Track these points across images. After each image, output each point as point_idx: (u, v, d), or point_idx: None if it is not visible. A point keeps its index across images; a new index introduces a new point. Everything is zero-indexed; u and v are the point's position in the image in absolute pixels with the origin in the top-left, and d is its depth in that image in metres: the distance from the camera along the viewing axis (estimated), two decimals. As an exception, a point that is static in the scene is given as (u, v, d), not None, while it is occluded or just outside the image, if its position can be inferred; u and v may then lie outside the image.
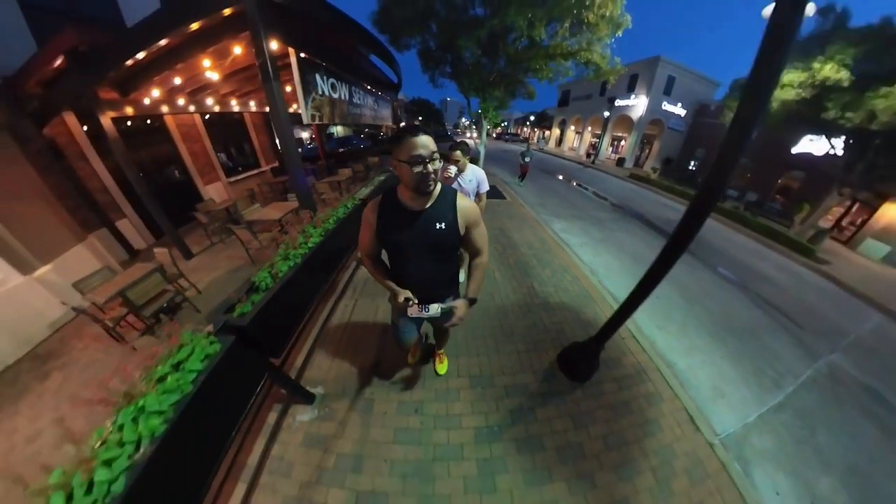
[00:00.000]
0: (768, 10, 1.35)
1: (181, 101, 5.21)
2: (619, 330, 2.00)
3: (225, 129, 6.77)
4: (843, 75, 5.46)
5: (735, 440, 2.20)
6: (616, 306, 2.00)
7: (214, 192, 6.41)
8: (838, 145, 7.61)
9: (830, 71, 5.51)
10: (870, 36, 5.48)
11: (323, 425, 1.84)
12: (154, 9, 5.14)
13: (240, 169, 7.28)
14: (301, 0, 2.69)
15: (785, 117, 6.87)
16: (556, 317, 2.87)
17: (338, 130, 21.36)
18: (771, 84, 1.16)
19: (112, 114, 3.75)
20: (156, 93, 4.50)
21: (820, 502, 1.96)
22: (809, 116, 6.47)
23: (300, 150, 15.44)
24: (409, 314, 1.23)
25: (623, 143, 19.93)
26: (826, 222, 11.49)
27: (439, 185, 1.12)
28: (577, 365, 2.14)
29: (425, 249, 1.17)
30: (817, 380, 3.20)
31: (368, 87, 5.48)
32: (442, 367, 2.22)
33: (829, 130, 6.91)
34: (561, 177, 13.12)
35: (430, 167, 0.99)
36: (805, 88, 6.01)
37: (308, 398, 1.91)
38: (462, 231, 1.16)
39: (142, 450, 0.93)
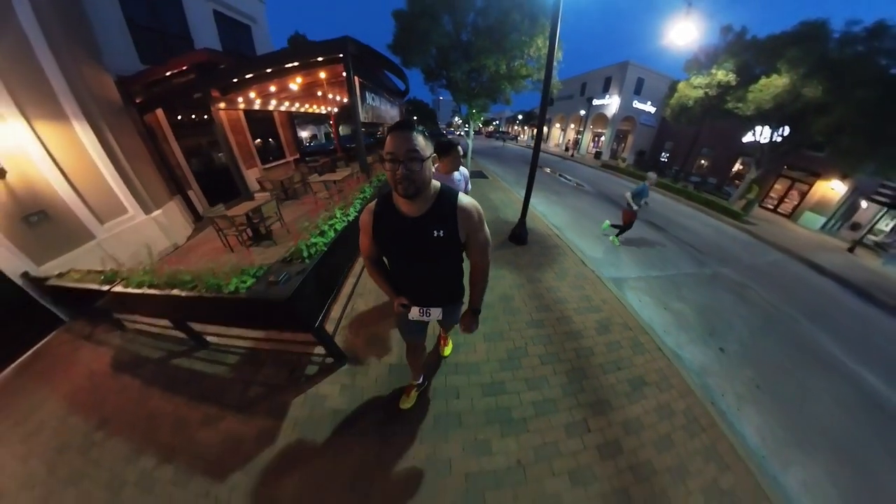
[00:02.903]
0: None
1: (258, 101, 6.72)
2: (549, 235, 3.61)
3: (260, 124, 8.23)
4: (731, 78, 7.31)
5: (615, 280, 3.73)
6: (551, 227, 3.64)
7: (253, 175, 7.82)
8: (760, 132, 9.39)
9: (722, 75, 7.33)
10: (748, 48, 7.32)
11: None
12: (211, 33, 6.67)
13: (270, 158, 8.73)
14: (361, 48, 4.29)
15: (701, 110, 8.73)
16: (510, 225, 4.48)
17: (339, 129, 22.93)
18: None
19: (216, 107, 5.25)
20: (251, 95, 5.94)
21: (671, 310, 3.50)
22: (719, 109, 8.32)
23: (306, 145, 17.00)
24: (409, 317, 1.23)
25: (602, 138, 21.77)
26: (770, 200, 13.28)
27: (436, 186, 1.01)
28: (517, 235, 3.82)
29: (423, 257, 1.08)
30: (698, 275, 4.73)
31: (386, 96, 7.26)
32: (447, 349, 2.18)
33: (736, 119, 8.75)
34: (540, 167, 14.80)
35: (402, 169, 0.86)
36: (711, 88, 7.84)
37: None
38: (463, 238, 1.06)
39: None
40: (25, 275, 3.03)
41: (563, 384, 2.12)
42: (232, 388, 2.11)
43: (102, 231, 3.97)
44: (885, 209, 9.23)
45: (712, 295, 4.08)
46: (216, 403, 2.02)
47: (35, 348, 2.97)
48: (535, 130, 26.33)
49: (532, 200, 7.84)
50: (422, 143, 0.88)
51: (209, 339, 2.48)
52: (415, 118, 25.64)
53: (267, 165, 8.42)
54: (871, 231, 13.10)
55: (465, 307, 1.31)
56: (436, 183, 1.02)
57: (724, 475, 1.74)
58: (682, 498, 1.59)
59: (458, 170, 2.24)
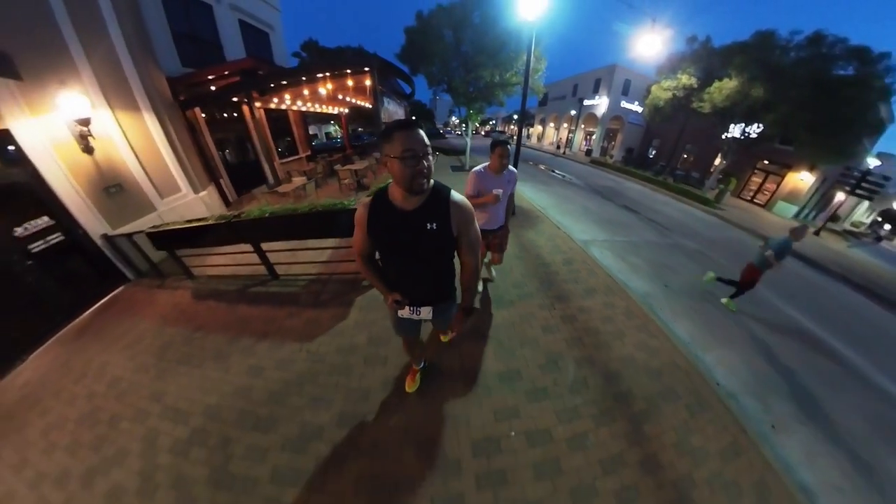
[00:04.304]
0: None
1: (288, 100, 7.61)
2: (533, 210, 4.56)
3: (278, 122, 9.04)
4: (693, 81, 8.42)
5: (583, 241, 4.58)
6: (536, 206, 4.57)
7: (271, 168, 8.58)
8: (730, 128, 10.43)
9: (685, 79, 8.43)
10: (708, 55, 8.44)
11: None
12: (237, 40, 7.48)
13: (286, 154, 9.54)
14: (383, 62, 5.18)
15: (671, 109, 9.87)
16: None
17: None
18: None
19: (248, 106, 6.03)
20: (286, 96, 6.80)
21: (628, 261, 4.34)
22: (686, 108, 9.43)
23: (314, 143, 17.88)
24: (399, 314, 1.26)
25: (593, 136, 22.85)
26: (749, 192, 14.34)
27: (431, 183, 1.05)
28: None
29: (417, 251, 1.11)
30: (659, 242, 5.58)
31: (396, 99, 8.31)
32: (446, 337, 2.06)
33: (704, 117, 9.85)
34: (532, 163, 15.76)
35: (424, 163, 0.93)
36: (678, 90, 8.94)
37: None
38: (455, 232, 1.10)
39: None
40: (104, 235, 3.78)
41: (537, 286, 3.03)
42: (306, 298, 2.91)
43: (162, 205, 4.74)
44: (847, 196, 10.23)
45: (668, 255, 4.94)
46: (296, 305, 2.82)
47: (109, 296, 3.68)
48: (530, 129, 27.57)
49: (522, 189, 8.97)
50: (427, 139, 0.96)
51: (279, 270, 3.26)
52: (413, 117, 26.70)
53: (283, 160, 9.22)
54: (851, 222, 14.09)
55: (457, 308, 1.36)
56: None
57: (651, 340, 2.57)
58: (619, 346, 2.43)
59: (506, 168, 2.09)
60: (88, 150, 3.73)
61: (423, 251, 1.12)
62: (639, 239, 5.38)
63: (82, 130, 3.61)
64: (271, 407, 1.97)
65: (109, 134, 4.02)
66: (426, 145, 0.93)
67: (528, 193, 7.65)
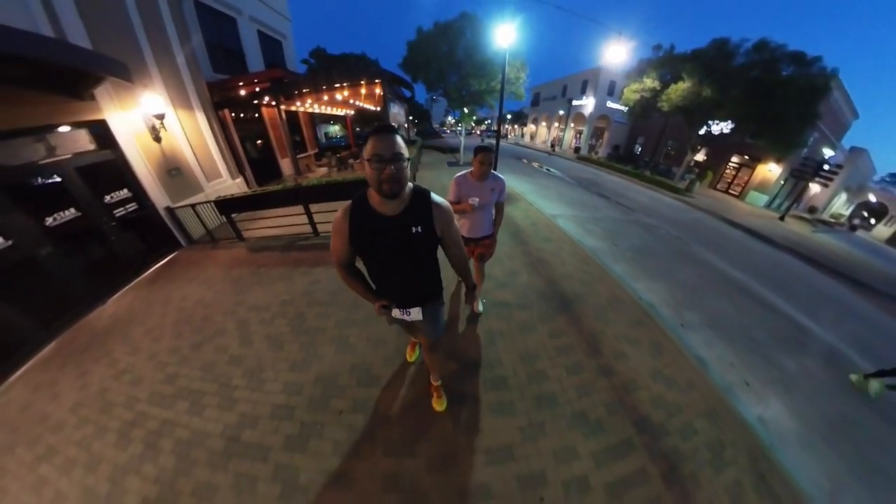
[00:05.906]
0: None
1: (308, 104, 8.59)
2: (514, 194, 5.69)
3: (289, 122, 10.06)
4: (656, 84, 9.67)
5: (551, 215, 5.62)
6: (517, 191, 5.72)
7: (286, 164, 9.58)
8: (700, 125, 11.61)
9: (650, 82, 9.68)
10: (671, 61, 9.68)
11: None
12: (256, 49, 8.50)
13: (297, 151, 10.53)
14: (391, 75, 6.19)
15: (640, 109, 11.14)
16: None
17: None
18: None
19: (276, 108, 7.04)
20: (308, 101, 7.79)
21: (586, 229, 5.39)
22: (652, 108, 10.70)
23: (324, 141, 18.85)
24: (392, 315, 1.30)
25: (582, 135, 24.03)
26: (724, 184, 15.51)
27: (410, 187, 1.08)
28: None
29: (403, 254, 1.13)
30: (621, 218, 6.65)
31: (398, 102, 9.48)
32: (440, 403, 1.87)
33: (677, 115, 11.05)
34: (525, 160, 16.87)
35: (389, 168, 0.93)
36: (645, 91, 10.18)
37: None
38: (439, 233, 1.13)
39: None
40: (167, 208, 4.75)
41: (510, 240, 4.12)
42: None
43: (208, 187, 5.74)
44: (821, 188, 11.42)
45: (625, 227, 6.00)
46: (332, 248, 3.82)
47: (168, 258, 4.60)
48: (523, 128, 28.91)
49: (509, 182, 10.12)
50: (402, 144, 0.96)
51: (320, 229, 4.26)
52: (411, 117, 27.88)
53: (296, 157, 10.25)
54: (830, 214, 15.16)
55: (445, 306, 1.52)
56: (409, 183, 1.07)
57: (587, 268, 3.62)
58: (560, 268, 3.50)
59: (489, 175, 1.99)
60: (158, 139, 4.74)
61: (409, 254, 1.14)
62: (602, 215, 6.44)
63: (156, 123, 4.62)
64: (331, 296, 3.00)
65: (172, 127, 5.03)
66: (395, 152, 0.93)
67: (510, 182, 8.72)
